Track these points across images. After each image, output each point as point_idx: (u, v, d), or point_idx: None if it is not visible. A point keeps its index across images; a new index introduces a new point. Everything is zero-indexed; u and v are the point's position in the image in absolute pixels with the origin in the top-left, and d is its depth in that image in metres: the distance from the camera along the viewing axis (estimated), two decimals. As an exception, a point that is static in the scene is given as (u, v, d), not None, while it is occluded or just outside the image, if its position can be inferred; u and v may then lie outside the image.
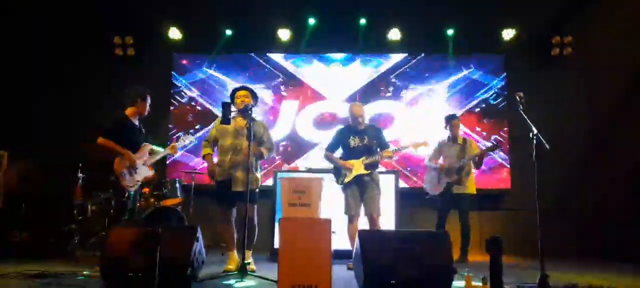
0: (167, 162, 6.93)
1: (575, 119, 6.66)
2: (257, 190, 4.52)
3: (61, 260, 4.68)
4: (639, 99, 5.99)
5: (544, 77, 6.75)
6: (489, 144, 6.52)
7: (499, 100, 6.98)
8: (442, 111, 6.66)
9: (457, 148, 5.62)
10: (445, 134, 5.77)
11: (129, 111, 4.51)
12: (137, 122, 4.56)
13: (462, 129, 6.32)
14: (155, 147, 4.76)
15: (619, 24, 6.54)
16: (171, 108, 7.14)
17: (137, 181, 4.40)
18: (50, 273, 3.83)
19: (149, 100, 4.59)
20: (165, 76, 7.19)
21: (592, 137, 6.61)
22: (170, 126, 7.06)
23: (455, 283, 3.31)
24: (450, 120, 5.70)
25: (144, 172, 4.48)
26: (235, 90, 4.62)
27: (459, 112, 6.76)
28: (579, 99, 6.74)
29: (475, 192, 5.64)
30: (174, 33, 7.11)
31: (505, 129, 6.89)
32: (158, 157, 4.76)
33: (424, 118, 6.96)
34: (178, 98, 7.19)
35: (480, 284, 3.44)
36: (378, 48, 7.15)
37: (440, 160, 5.67)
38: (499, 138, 6.85)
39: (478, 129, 6.95)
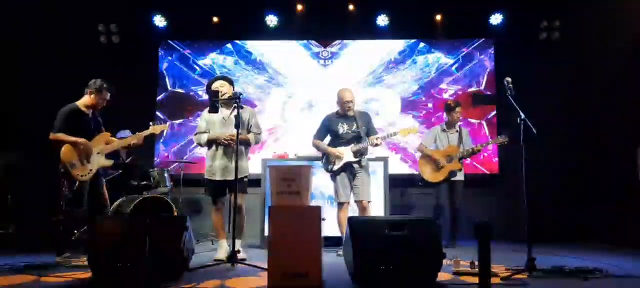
0: (158, 158, 6.87)
1: (564, 103, 6.65)
2: (246, 179, 4.50)
3: (50, 252, 4.63)
4: (628, 82, 6.00)
5: (532, 62, 6.74)
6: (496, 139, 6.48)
7: (487, 85, 6.99)
8: (428, 95, 6.62)
9: (456, 136, 5.63)
10: (442, 121, 5.76)
11: (80, 101, 4.40)
12: (89, 113, 4.41)
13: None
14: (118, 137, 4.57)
15: (609, 7, 6.53)
16: (157, 96, 7.06)
17: (90, 170, 4.24)
18: (39, 264, 3.80)
19: (106, 95, 4.43)
20: (151, 64, 7.09)
21: (582, 121, 6.62)
22: (156, 115, 6.98)
23: (444, 267, 3.34)
24: (455, 107, 5.66)
25: (100, 161, 4.32)
26: (211, 82, 4.56)
27: (443, 97, 6.75)
28: (568, 83, 6.71)
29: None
30: (159, 20, 7.01)
31: (493, 113, 6.92)
32: (120, 145, 4.54)
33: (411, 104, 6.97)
34: (162, 87, 7.11)
35: (469, 268, 3.47)
36: (366, 34, 7.11)
37: (432, 147, 5.68)
38: (496, 128, 6.87)
39: (466, 113, 6.94)
